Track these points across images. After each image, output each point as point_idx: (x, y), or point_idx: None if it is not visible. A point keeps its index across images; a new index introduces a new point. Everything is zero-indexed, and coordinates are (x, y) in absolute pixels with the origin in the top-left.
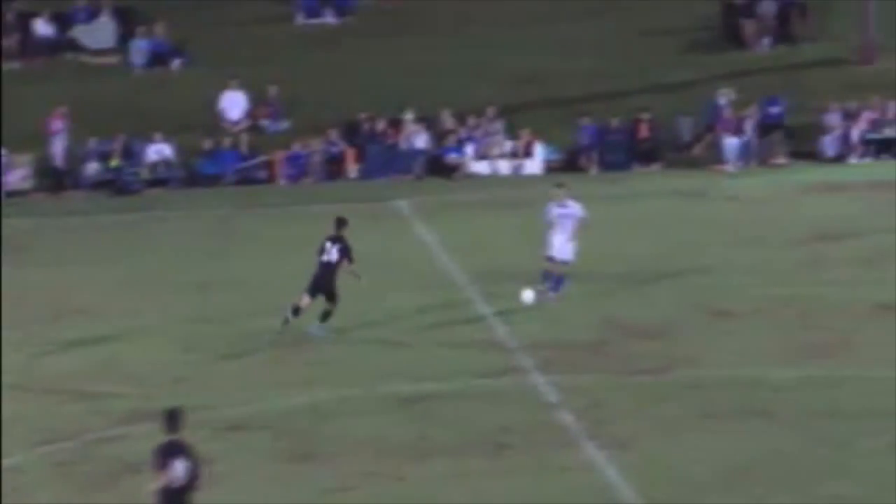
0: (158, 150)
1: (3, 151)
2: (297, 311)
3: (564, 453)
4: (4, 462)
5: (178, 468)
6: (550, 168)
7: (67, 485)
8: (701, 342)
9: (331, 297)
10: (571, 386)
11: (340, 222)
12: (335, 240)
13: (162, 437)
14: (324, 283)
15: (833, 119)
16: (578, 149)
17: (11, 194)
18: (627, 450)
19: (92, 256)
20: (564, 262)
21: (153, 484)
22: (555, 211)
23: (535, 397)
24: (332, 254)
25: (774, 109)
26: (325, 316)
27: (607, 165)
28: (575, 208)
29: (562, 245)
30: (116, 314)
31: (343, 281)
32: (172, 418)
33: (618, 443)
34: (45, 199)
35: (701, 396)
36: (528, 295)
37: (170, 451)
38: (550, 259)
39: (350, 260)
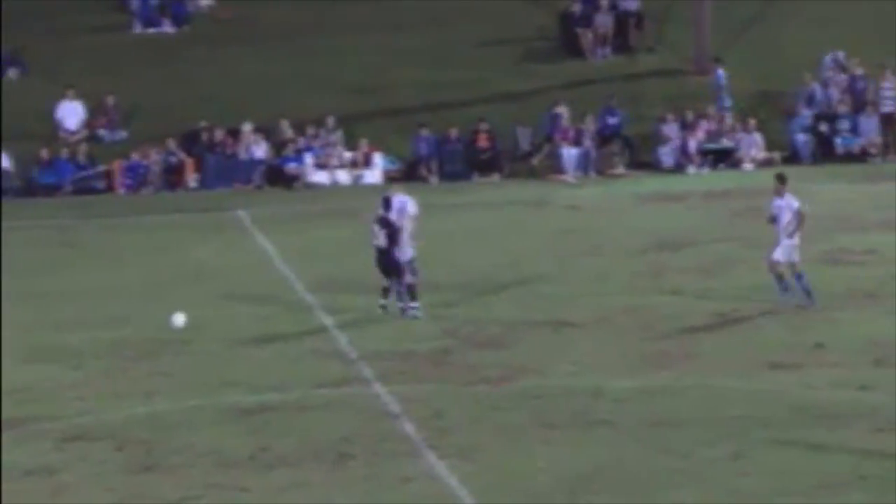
0: None
1: None
2: (385, 292)
3: (406, 463)
4: None
5: None
6: (390, 178)
7: None
8: (542, 352)
9: (399, 275)
10: (413, 396)
11: (386, 201)
12: (383, 223)
13: None
14: (388, 267)
15: (670, 130)
16: (418, 159)
17: None
18: (469, 459)
19: None
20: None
21: None
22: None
23: (377, 407)
24: (381, 240)
25: (612, 120)
26: (410, 291)
27: (447, 175)
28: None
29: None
30: None
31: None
32: None
33: (459, 452)
34: None
35: (542, 406)
36: (178, 319)
37: None
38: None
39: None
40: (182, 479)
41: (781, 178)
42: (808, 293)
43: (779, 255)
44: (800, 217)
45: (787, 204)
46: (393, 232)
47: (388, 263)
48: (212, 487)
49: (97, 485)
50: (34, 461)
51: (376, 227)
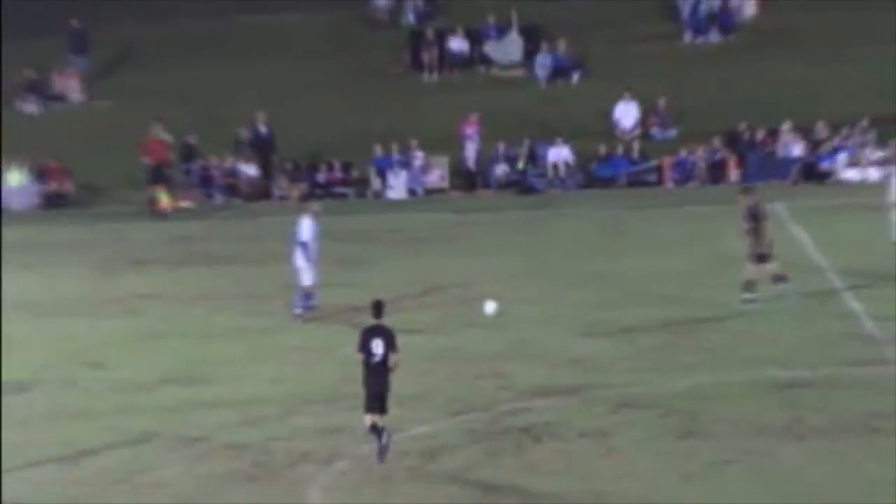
0: (559, 154)
1: (421, 154)
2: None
3: None
4: (421, 429)
5: (376, 346)
6: None
7: (476, 451)
8: None
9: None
10: None
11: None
12: None
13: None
14: None
15: None
16: None
17: (429, 192)
18: None
19: (500, 248)
20: None
21: (355, 356)
22: None
23: None
24: None
25: None
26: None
27: None
28: None
29: None
30: (522, 300)
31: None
32: (376, 307)
33: None
34: (459, 196)
35: None
36: (490, 306)
37: (371, 333)
38: None
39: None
40: (721, 444)
41: None
42: None
43: None
44: None
45: None
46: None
47: None
48: (748, 453)
49: (645, 447)
50: (589, 424)
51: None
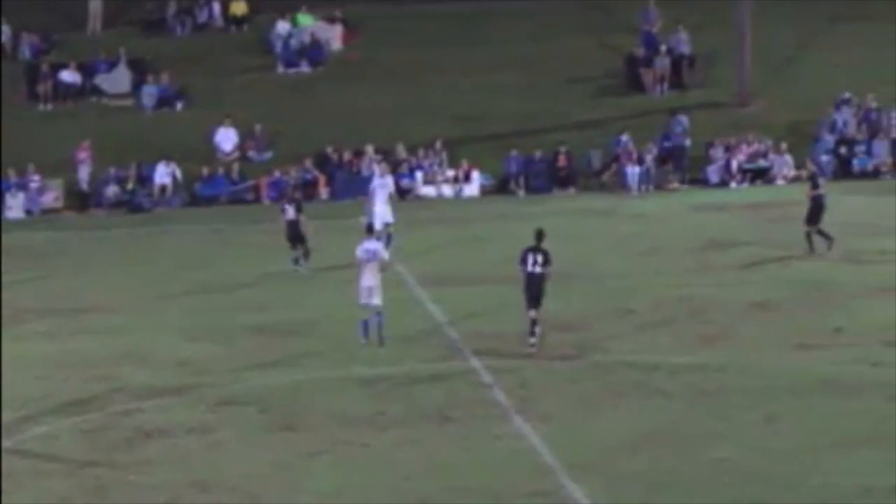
0: (164, 176)
1: (38, 177)
2: (533, 324)
3: (497, 424)
4: (40, 430)
5: None
6: (485, 191)
7: (93, 448)
8: (611, 333)
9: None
10: (503, 369)
11: (540, 235)
12: (536, 251)
13: None
14: (535, 292)
15: (716, 152)
16: (508, 175)
17: (45, 212)
18: (549, 422)
19: (111, 263)
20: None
21: None
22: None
23: (473, 378)
24: (536, 267)
25: (668, 143)
26: None
27: (532, 189)
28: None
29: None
30: (131, 309)
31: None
32: None
33: (541, 416)
34: (73, 215)
35: (609, 378)
36: None
37: None
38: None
39: (549, 266)
40: (314, 435)
41: None
42: None
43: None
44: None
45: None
46: (546, 259)
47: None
48: (339, 443)
49: (245, 441)
50: (194, 421)
51: (530, 256)
